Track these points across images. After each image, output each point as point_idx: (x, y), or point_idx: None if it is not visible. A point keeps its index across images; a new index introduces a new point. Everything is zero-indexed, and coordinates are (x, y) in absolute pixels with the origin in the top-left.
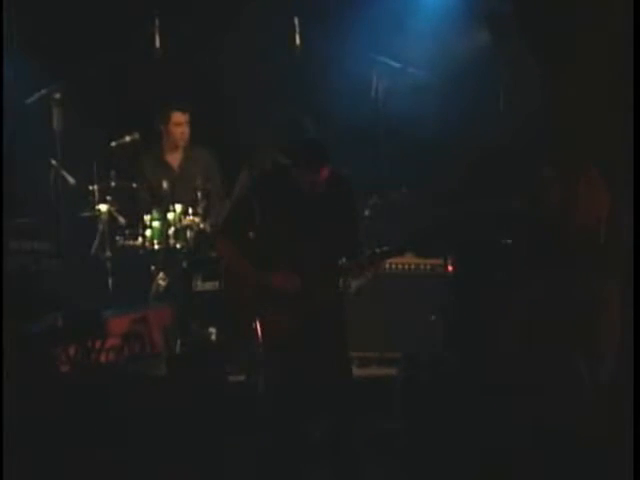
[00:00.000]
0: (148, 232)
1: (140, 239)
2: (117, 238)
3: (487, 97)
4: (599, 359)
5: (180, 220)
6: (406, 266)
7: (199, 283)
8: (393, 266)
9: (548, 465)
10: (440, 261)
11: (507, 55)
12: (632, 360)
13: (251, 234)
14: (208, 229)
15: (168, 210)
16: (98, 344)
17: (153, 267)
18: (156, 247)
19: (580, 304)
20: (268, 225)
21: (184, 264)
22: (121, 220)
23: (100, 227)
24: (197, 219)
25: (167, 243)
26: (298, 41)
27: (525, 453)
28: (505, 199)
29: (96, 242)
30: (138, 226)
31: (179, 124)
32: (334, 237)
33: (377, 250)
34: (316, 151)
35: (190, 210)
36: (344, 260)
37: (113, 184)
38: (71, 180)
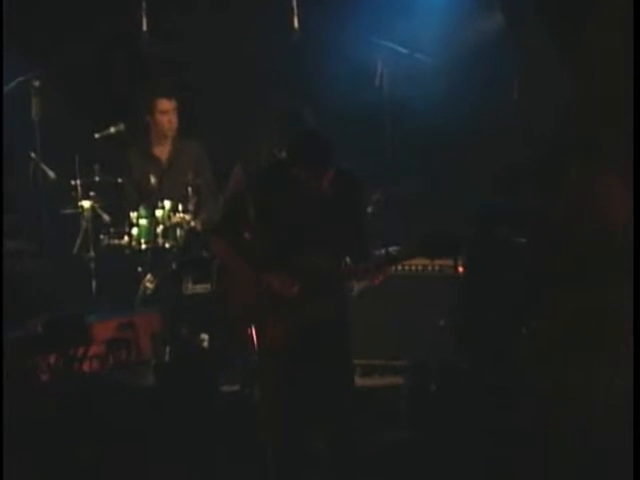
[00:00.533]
0: (135, 230)
1: (126, 238)
2: (101, 237)
3: (501, 85)
4: (615, 363)
5: (169, 217)
6: (413, 267)
7: (190, 285)
8: (399, 267)
9: (561, 475)
10: (450, 262)
11: (523, 39)
12: (632, 360)
13: (247, 234)
14: (199, 227)
15: (156, 207)
16: (81, 351)
17: (140, 268)
18: (143, 247)
19: (598, 309)
20: (265, 224)
21: (173, 265)
22: (106, 217)
23: (83, 225)
24: (187, 216)
25: (155, 242)
26: (296, 24)
27: (539, 463)
28: (518, 196)
29: (79, 241)
30: (124, 224)
31: (165, 112)
32: (337, 237)
33: (384, 253)
34: (321, 155)
35: (180, 207)
36: (348, 262)
37: (97, 179)
38: (51, 174)
